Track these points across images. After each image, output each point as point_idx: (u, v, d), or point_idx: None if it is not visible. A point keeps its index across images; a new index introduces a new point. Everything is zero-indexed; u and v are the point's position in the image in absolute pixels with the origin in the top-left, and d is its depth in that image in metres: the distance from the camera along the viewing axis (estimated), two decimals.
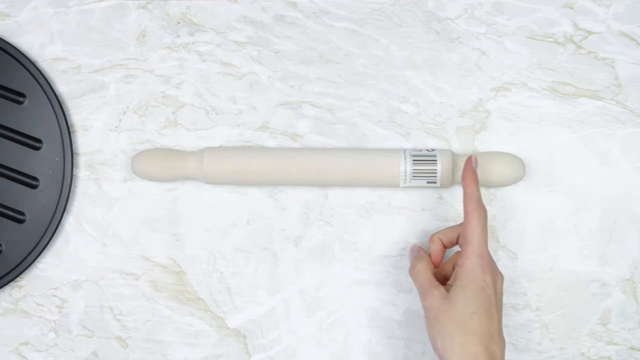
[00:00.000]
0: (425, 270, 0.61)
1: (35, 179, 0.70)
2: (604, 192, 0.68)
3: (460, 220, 0.66)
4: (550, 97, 0.69)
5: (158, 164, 0.68)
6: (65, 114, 0.71)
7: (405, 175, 0.66)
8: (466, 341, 0.56)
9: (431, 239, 0.64)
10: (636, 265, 0.68)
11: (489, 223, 0.68)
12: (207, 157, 0.67)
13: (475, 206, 0.60)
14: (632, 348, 0.68)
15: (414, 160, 0.66)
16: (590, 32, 0.69)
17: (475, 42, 0.70)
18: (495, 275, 0.59)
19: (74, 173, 0.71)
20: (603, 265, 0.68)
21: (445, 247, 0.64)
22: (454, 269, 0.62)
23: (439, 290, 0.59)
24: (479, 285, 0.57)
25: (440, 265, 0.64)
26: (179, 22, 0.72)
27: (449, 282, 0.61)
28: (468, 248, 0.59)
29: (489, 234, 0.68)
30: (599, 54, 0.69)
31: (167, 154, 0.69)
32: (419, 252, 0.65)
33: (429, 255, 0.64)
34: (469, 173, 0.62)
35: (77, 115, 0.72)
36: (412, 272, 0.63)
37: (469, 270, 0.58)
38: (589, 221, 0.68)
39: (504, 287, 0.67)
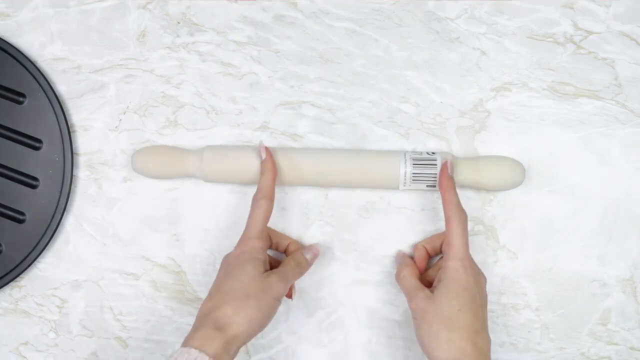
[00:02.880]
0: (410, 276, 0.64)
1: (35, 179, 0.70)
2: (604, 192, 0.68)
3: None
4: (550, 97, 0.69)
5: (158, 161, 0.68)
6: (65, 114, 0.71)
7: (405, 179, 0.66)
8: (452, 337, 0.58)
9: (416, 247, 0.67)
10: (636, 265, 0.68)
11: (489, 223, 0.68)
12: (207, 155, 0.67)
13: (455, 211, 0.62)
14: (632, 348, 0.68)
15: (414, 164, 0.66)
16: (590, 32, 0.69)
17: (475, 42, 0.70)
18: (477, 275, 0.61)
19: (74, 173, 0.71)
20: (603, 265, 0.68)
21: (430, 255, 0.67)
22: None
23: (424, 292, 0.61)
24: (462, 285, 0.59)
25: (425, 271, 0.66)
26: (179, 22, 0.71)
27: (433, 286, 0.62)
28: (450, 251, 0.61)
29: (489, 234, 0.68)
30: (599, 54, 0.69)
31: (168, 152, 0.69)
32: (403, 259, 0.67)
33: (414, 261, 0.66)
34: (445, 179, 0.64)
35: (77, 115, 0.72)
36: (398, 277, 0.65)
37: (452, 272, 0.60)
38: (589, 221, 0.68)
39: (504, 288, 0.67)
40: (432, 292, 0.61)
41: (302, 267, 0.65)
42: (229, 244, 0.69)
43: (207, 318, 0.59)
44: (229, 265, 0.62)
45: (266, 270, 0.62)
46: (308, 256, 0.66)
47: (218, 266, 0.69)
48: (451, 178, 0.64)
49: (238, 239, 0.64)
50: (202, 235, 0.70)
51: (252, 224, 0.63)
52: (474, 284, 0.60)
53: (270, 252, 0.68)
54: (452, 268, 0.60)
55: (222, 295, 0.60)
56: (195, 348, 0.56)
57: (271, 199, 0.64)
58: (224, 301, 0.59)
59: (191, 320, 0.69)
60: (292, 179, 0.67)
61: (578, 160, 0.68)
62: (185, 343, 0.58)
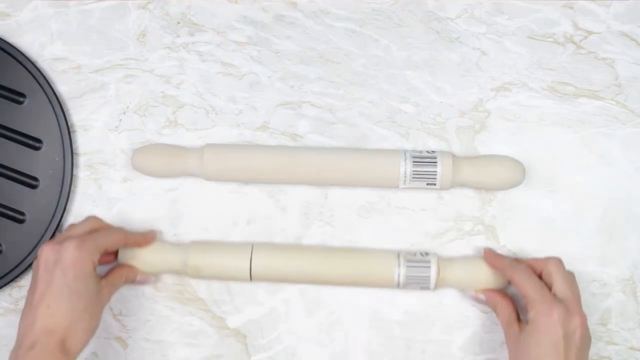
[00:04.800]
0: (506, 307, 0.63)
1: (35, 179, 0.71)
2: (604, 192, 0.68)
3: (459, 219, 0.66)
4: (550, 97, 0.69)
5: (158, 159, 0.68)
6: (65, 114, 0.71)
7: (405, 177, 0.66)
8: None
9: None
10: (636, 265, 0.68)
11: (489, 223, 0.68)
12: (208, 154, 0.67)
13: (511, 267, 0.62)
14: (632, 348, 0.68)
15: (414, 162, 0.66)
16: (590, 32, 0.69)
17: (475, 42, 0.70)
18: (567, 318, 0.58)
19: (74, 173, 0.71)
20: (603, 265, 0.68)
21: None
22: None
23: (513, 330, 0.61)
24: (542, 333, 0.58)
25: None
26: (179, 22, 0.72)
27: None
28: (528, 301, 0.60)
29: (489, 234, 0.68)
30: (599, 54, 0.69)
31: (168, 150, 0.69)
32: (497, 293, 0.65)
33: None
34: (490, 256, 0.65)
35: (77, 115, 0.72)
36: (495, 308, 0.64)
37: (533, 320, 0.59)
38: (589, 221, 0.68)
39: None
40: (520, 330, 0.60)
41: (128, 282, 0.67)
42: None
43: (51, 336, 0.57)
44: (66, 275, 0.59)
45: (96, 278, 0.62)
46: (138, 278, 0.67)
47: None
48: (491, 252, 0.65)
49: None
50: (202, 235, 0.70)
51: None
52: (559, 329, 0.58)
53: None
54: (533, 317, 0.59)
55: (64, 313, 0.58)
56: None
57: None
58: (68, 321, 0.58)
59: (191, 320, 0.69)
60: (292, 177, 0.67)
61: (578, 160, 0.68)
62: None
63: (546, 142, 0.69)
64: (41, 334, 0.57)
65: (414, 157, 0.66)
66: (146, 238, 0.67)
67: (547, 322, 0.58)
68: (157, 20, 0.72)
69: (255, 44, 0.71)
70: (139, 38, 0.72)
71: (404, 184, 0.66)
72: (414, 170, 0.66)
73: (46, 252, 0.60)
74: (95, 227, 0.65)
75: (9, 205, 0.71)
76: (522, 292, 0.60)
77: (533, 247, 0.68)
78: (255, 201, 0.70)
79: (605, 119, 0.69)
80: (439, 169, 0.65)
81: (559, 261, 0.62)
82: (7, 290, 0.71)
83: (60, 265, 0.59)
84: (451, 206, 0.69)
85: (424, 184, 0.66)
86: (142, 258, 0.67)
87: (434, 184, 0.66)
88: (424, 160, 0.66)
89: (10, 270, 0.70)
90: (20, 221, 0.70)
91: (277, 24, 0.71)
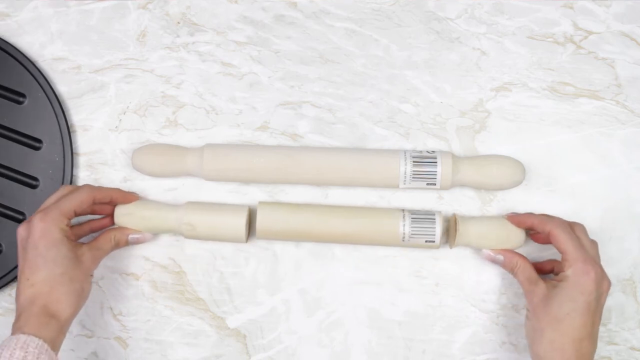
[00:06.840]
0: (525, 267, 0.64)
1: (35, 179, 0.71)
2: (604, 192, 0.68)
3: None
4: (550, 97, 0.69)
5: (158, 158, 0.68)
6: (65, 114, 0.71)
7: (405, 177, 0.66)
8: (555, 339, 0.59)
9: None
10: (636, 265, 0.68)
11: None
12: (207, 154, 0.67)
13: (550, 222, 0.62)
14: (632, 348, 0.68)
15: (414, 162, 0.66)
16: (590, 32, 0.69)
17: (475, 42, 0.70)
18: (600, 281, 0.60)
19: (74, 173, 0.71)
20: (603, 265, 0.68)
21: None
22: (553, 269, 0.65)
23: (539, 287, 0.61)
24: (579, 289, 0.59)
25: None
26: (179, 22, 0.72)
27: (554, 281, 0.62)
28: (568, 257, 0.60)
29: None
30: (599, 54, 0.69)
31: (168, 149, 0.69)
32: (511, 252, 0.65)
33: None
34: (521, 216, 0.65)
35: (77, 115, 0.72)
36: (513, 268, 0.65)
37: (573, 276, 0.60)
38: (589, 221, 0.68)
39: (504, 288, 0.66)
40: (549, 287, 0.61)
41: (121, 245, 0.67)
42: (229, 244, 0.70)
43: (34, 304, 0.59)
44: (37, 247, 0.61)
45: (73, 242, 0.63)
46: (131, 238, 0.68)
47: (218, 266, 0.70)
48: (519, 214, 0.65)
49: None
50: None
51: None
52: (593, 289, 0.59)
53: None
54: (571, 274, 0.60)
55: (41, 280, 0.60)
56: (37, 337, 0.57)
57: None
58: (48, 287, 0.60)
59: (191, 320, 0.69)
60: (292, 177, 0.67)
61: (578, 160, 0.68)
62: (22, 331, 0.58)
63: (546, 142, 0.69)
64: (25, 304, 0.59)
65: (414, 157, 0.66)
66: (125, 195, 0.68)
67: (585, 281, 0.59)
68: (157, 20, 0.72)
69: (255, 44, 0.71)
70: (139, 38, 0.72)
71: (404, 184, 0.66)
72: (414, 170, 0.66)
73: (20, 232, 0.62)
74: (64, 194, 0.65)
75: (9, 205, 0.71)
76: (562, 247, 0.61)
77: (533, 246, 0.68)
78: (255, 201, 0.70)
79: (605, 119, 0.69)
80: (439, 169, 0.65)
81: (584, 228, 0.63)
82: (7, 290, 0.71)
83: (31, 239, 0.61)
84: (451, 206, 0.69)
85: (424, 184, 0.66)
86: (136, 215, 0.67)
87: (434, 184, 0.66)
88: (424, 160, 0.66)
89: (10, 270, 0.70)
90: (21, 221, 0.70)
91: (277, 24, 0.71)
